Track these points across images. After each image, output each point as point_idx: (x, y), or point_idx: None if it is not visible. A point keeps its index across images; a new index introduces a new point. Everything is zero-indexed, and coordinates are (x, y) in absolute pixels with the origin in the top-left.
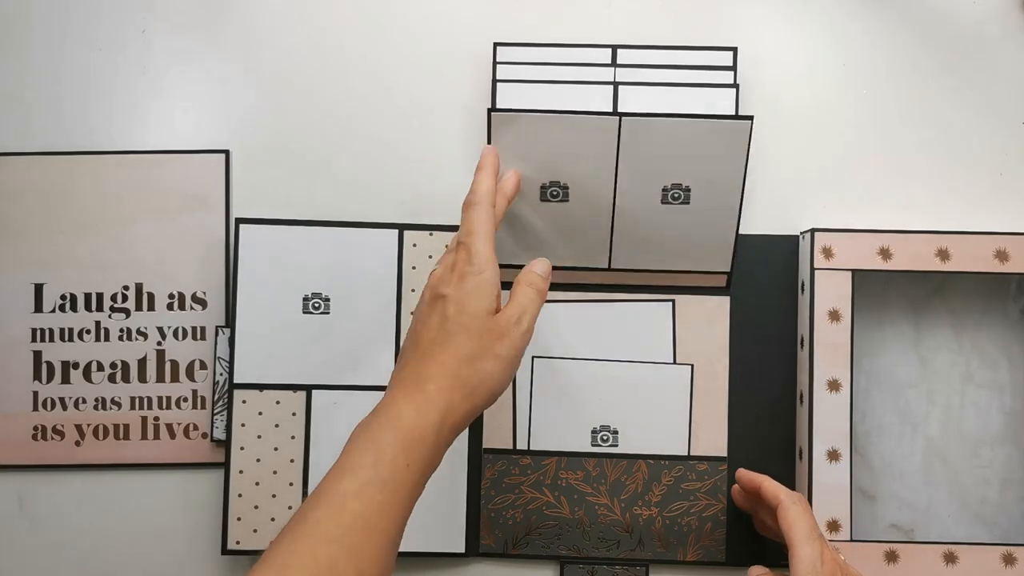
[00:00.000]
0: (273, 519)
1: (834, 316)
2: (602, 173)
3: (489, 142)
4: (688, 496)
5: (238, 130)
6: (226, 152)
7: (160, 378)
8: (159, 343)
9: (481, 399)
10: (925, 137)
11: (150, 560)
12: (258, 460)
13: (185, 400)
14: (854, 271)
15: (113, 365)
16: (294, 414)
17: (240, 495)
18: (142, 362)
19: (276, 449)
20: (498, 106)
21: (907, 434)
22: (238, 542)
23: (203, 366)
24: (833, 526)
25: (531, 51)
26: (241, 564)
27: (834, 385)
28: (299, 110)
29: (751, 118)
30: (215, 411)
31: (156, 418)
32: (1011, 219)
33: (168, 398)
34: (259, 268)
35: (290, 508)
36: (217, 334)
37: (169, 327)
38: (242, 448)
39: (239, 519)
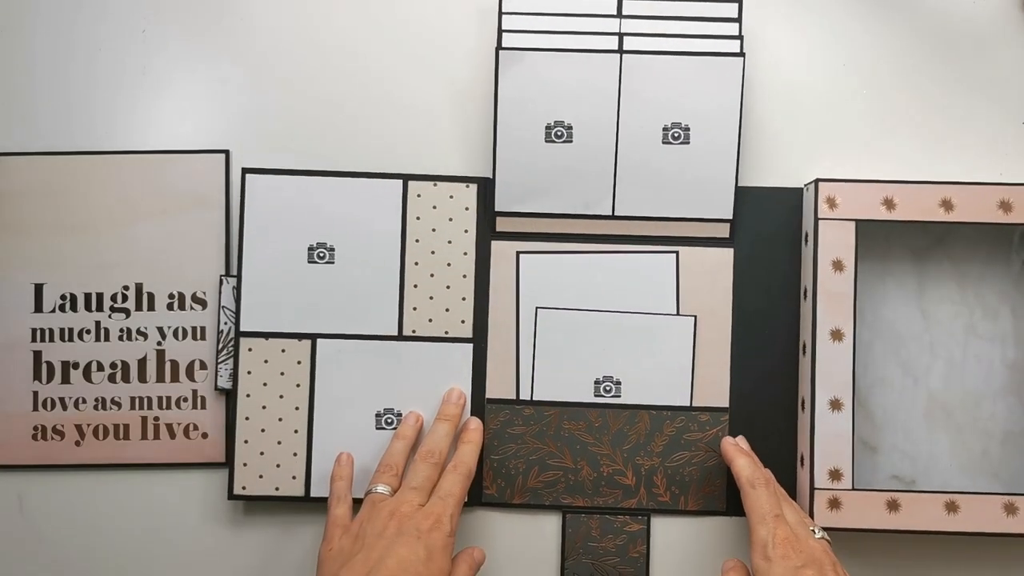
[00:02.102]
0: (278, 465)
1: (837, 266)
2: (605, 112)
3: (496, 82)
4: (690, 447)
5: (238, 130)
6: (226, 152)
7: (160, 378)
8: (159, 343)
9: None
10: (924, 134)
11: (150, 560)
12: (264, 407)
13: (185, 400)
14: (858, 221)
15: (113, 365)
16: (299, 362)
17: (246, 441)
18: (142, 362)
19: (282, 397)
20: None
21: (909, 387)
22: (244, 487)
23: (203, 366)
24: (835, 475)
25: (537, 1)
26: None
27: (837, 335)
28: (299, 110)
29: (743, 55)
30: (219, 360)
31: (156, 418)
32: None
33: (168, 398)
34: (264, 218)
35: (295, 455)
36: (221, 283)
37: (169, 327)
38: (248, 395)
39: (245, 464)
